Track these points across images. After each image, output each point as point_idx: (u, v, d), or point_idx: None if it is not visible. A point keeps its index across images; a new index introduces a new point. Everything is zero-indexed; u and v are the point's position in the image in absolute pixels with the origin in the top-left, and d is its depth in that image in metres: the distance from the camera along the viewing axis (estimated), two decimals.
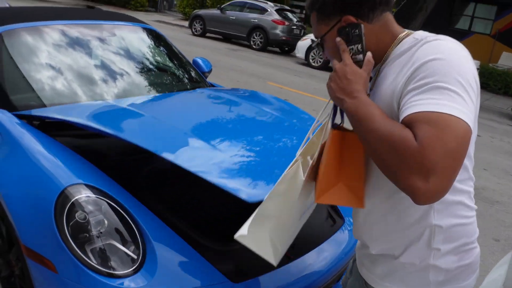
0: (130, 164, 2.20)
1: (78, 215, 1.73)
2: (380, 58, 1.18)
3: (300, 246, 2.09)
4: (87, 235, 1.71)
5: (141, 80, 3.06)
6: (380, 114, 1.00)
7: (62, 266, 1.66)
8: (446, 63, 0.98)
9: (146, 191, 2.04)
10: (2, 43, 2.75)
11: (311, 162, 1.31)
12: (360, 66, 1.10)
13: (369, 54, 1.11)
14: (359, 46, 1.11)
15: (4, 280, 2.22)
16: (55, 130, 2.30)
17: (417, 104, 0.96)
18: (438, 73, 0.97)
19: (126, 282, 1.64)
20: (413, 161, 0.91)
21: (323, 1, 1.17)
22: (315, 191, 1.24)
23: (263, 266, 1.92)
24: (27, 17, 3.03)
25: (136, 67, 3.08)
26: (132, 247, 1.75)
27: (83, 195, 1.79)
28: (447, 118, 0.92)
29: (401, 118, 0.99)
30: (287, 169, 1.32)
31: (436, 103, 0.94)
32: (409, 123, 0.95)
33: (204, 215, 2.42)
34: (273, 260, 1.39)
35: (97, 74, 2.86)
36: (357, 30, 1.12)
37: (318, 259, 2.12)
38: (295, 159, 1.35)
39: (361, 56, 1.11)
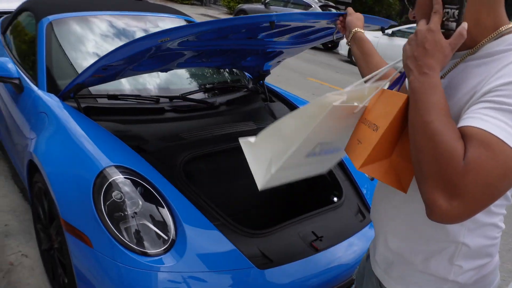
0: (167, 149, 2.28)
1: (115, 195, 1.82)
2: (468, 45, 0.97)
3: (328, 238, 2.12)
4: (122, 214, 1.80)
5: (185, 73, 3.14)
6: (442, 107, 0.86)
7: (97, 241, 1.76)
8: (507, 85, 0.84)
9: (180, 177, 2.11)
10: (52, 31, 2.90)
11: (360, 105, 1.12)
12: (448, 37, 0.90)
13: (464, 25, 0.89)
14: (456, 12, 0.90)
15: (45, 253, 2.36)
16: (98, 115, 2.42)
17: (484, 120, 0.82)
18: (505, 97, 0.83)
19: (156, 260, 1.72)
20: (449, 178, 0.81)
21: None
22: (359, 156, 1.06)
23: (290, 255, 1.97)
24: (76, 6, 3.17)
25: None
26: (164, 228, 1.83)
27: (120, 176, 1.88)
28: (508, 150, 0.79)
29: (460, 125, 0.86)
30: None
31: (506, 129, 0.80)
32: (466, 135, 0.83)
33: (234, 202, 2.48)
34: (260, 182, 1.32)
35: None
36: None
37: (346, 252, 2.13)
38: (339, 91, 1.12)
39: (454, 24, 0.90)
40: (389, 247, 1.19)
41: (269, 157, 1.29)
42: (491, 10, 0.95)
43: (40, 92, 2.57)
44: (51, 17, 2.99)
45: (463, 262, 1.06)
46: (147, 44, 1.88)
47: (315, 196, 2.62)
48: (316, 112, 1.10)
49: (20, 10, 3.61)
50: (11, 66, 2.76)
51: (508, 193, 1.03)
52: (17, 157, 2.75)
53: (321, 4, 14.81)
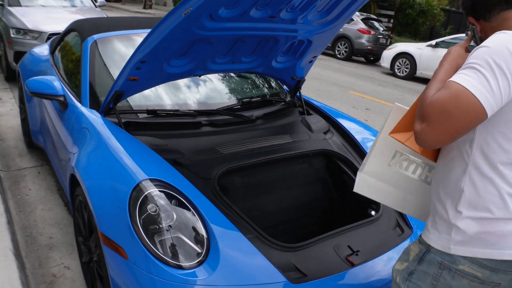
0: (202, 163, 2.31)
1: (150, 208, 1.85)
2: None
3: (365, 253, 2.07)
4: (157, 227, 1.83)
5: (223, 87, 3.19)
6: (440, 76, 1.31)
7: (133, 254, 1.79)
8: (487, 50, 1.16)
9: (215, 190, 2.12)
10: (96, 49, 3.01)
11: None
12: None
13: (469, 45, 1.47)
14: (475, 39, 1.46)
15: (85, 265, 2.42)
16: (138, 130, 2.48)
17: (454, 76, 1.19)
18: (476, 57, 1.17)
19: (190, 273, 1.73)
20: (421, 109, 1.21)
21: (461, 4, 1.44)
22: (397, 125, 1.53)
23: (325, 269, 1.94)
24: (119, 26, 3.29)
25: (219, 75, 3.21)
26: (198, 241, 1.84)
27: (156, 189, 1.92)
28: (459, 88, 1.14)
29: None
30: None
31: (460, 76, 1.16)
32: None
33: (268, 215, 2.47)
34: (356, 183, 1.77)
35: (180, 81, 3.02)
36: (474, 28, 1.43)
37: (383, 267, 2.07)
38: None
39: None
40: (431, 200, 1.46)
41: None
42: (503, 27, 1.31)
43: (83, 109, 2.67)
44: (95, 36, 3.12)
45: (463, 209, 1.29)
46: (172, 23, 1.94)
47: (352, 210, 2.57)
48: (387, 117, 1.64)
49: (68, 31, 3.79)
50: (57, 84, 2.89)
51: None
52: (61, 171, 2.86)
53: (363, 17, 14.70)
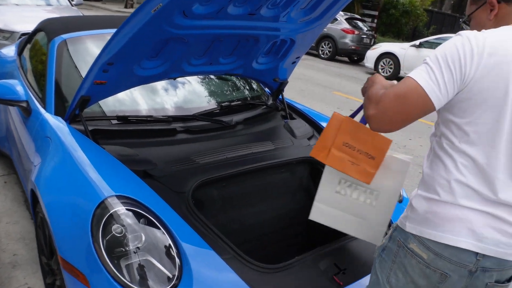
0: (176, 174, 2.12)
1: (115, 229, 1.66)
2: None
3: (352, 271, 1.91)
4: (123, 249, 1.64)
5: (200, 90, 3.00)
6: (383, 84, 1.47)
7: (96, 281, 1.60)
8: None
9: (189, 205, 1.94)
10: (63, 51, 2.80)
11: None
12: None
13: None
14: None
15: (49, 286, 2.21)
16: (106, 138, 2.28)
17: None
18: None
19: None
20: (374, 96, 1.33)
21: None
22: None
23: None
24: (89, 25, 3.08)
25: (196, 77, 3.01)
26: (169, 265, 1.65)
27: (122, 207, 1.72)
28: (408, 78, 1.26)
29: None
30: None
31: (414, 71, 1.26)
32: None
33: (248, 231, 2.30)
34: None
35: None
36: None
37: None
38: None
39: None
40: None
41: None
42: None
43: (47, 115, 2.45)
44: (64, 36, 2.90)
45: (419, 188, 1.39)
46: (141, 20, 1.75)
47: None
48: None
49: (36, 30, 3.55)
50: (20, 89, 2.67)
51: (473, 136, 1.25)
52: (26, 183, 2.64)
53: (346, 17, 14.62)
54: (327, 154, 1.67)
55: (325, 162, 1.70)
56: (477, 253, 1.27)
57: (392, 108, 1.26)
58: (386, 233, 1.61)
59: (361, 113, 1.65)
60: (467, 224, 1.26)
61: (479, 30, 1.27)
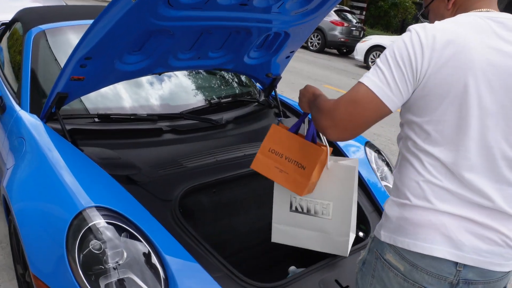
0: (162, 180, 1.95)
1: (93, 245, 1.49)
2: None
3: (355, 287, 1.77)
4: (102, 267, 1.47)
5: (188, 86, 2.82)
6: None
7: None
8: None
9: (176, 216, 1.77)
10: (39, 43, 2.60)
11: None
12: None
13: None
14: None
15: None
16: (86, 139, 2.10)
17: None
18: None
19: None
20: (324, 107, 1.26)
21: None
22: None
23: None
24: (68, 16, 2.88)
25: (183, 72, 2.84)
26: (153, 282, 1.49)
27: (102, 220, 1.56)
28: (358, 84, 1.18)
29: None
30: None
31: (364, 75, 1.18)
32: None
33: (241, 242, 2.14)
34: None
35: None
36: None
37: None
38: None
39: None
40: None
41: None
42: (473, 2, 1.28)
43: (22, 113, 2.26)
44: (43, 27, 2.70)
45: (391, 194, 1.31)
46: (121, 10, 1.58)
47: None
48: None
49: (12, 21, 3.33)
50: None
51: (435, 135, 1.15)
52: None
53: (335, 9, 14.45)
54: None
55: (252, 166, 1.71)
56: (456, 263, 1.14)
57: (346, 117, 1.18)
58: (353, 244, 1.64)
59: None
60: (442, 230, 1.15)
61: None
